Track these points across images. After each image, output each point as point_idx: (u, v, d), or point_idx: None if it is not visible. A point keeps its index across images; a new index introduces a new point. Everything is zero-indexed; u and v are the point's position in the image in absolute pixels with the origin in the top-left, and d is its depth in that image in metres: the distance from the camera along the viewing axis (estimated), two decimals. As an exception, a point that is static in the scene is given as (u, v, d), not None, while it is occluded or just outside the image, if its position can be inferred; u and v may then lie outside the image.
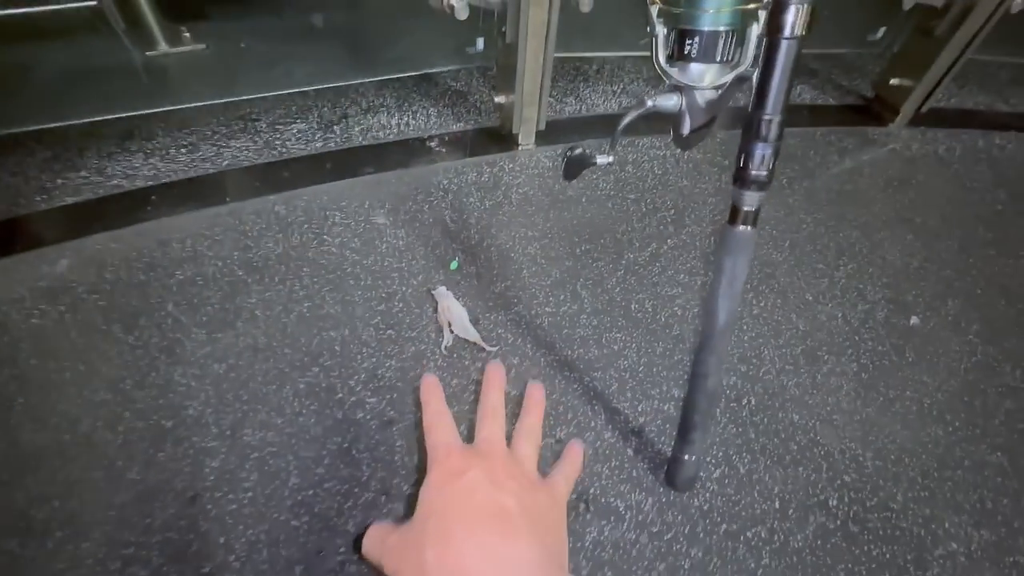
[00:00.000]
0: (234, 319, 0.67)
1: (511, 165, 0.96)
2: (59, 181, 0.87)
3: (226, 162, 0.93)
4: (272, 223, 0.81)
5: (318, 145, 0.99)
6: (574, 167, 0.48)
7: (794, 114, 1.21)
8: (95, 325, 0.66)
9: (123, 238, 0.78)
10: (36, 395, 0.59)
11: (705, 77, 0.41)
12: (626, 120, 0.47)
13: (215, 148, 0.96)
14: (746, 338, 0.71)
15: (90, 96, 1.01)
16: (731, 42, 0.40)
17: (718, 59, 0.40)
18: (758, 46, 0.39)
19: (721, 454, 0.59)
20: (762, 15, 0.39)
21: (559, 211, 0.87)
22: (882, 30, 1.20)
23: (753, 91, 0.35)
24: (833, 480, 0.58)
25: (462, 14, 0.82)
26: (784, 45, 0.32)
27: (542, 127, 0.99)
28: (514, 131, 0.97)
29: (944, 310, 0.78)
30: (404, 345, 0.66)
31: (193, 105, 1.00)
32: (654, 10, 0.41)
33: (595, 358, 0.67)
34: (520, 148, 0.99)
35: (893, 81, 1.14)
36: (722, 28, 0.39)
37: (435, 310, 0.70)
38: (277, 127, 1.02)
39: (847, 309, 0.76)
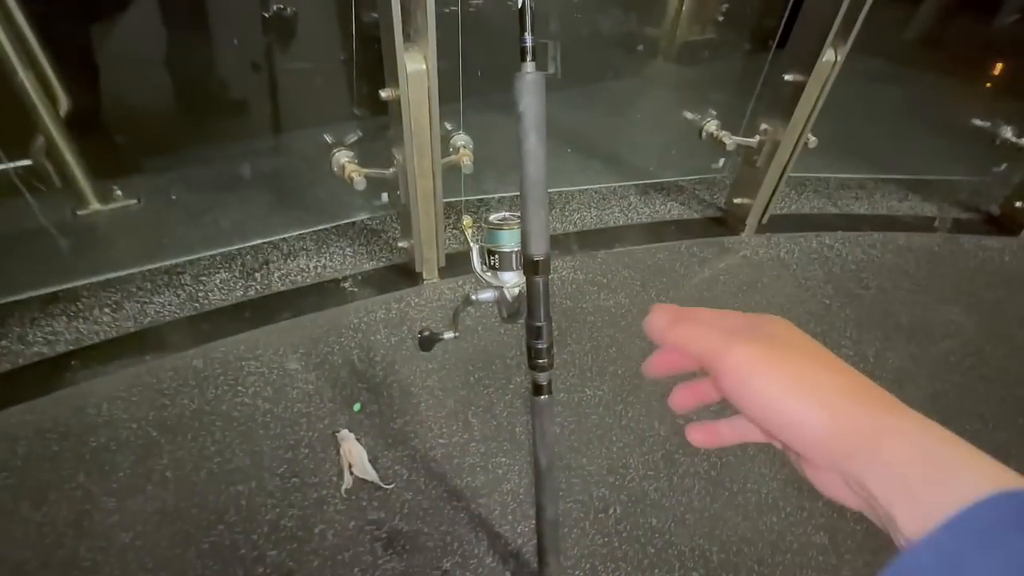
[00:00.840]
0: (144, 483, 0.72)
1: (416, 299, 1.09)
2: (-22, 353, 0.92)
3: (149, 319, 1.01)
4: (189, 379, 0.88)
5: (239, 294, 1.08)
6: (428, 344, 0.61)
7: (664, 229, 1.44)
8: (2, 506, 0.69)
9: (39, 408, 0.82)
10: (-66, 589, 0.61)
11: (511, 279, 0.56)
12: (460, 308, 0.60)
13: (139, 305, 1.04)
14: (615, 448, 0.82)
15: (16, 266, 1.08)
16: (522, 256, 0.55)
17: (515, 268, 0.55)
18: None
19: (589, 566, 0.68)
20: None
21: (456, 343, 0.99)
22: (722, 160, 1.47)
23: (526, 307, 0.48)
24: (684, 578, 0.68)
25: (359, 186, 0.98)
26: (536, 281, 0.46)
27: (443, 263, 1.14)
28: (418, 269, 1.11)
29: (780, 403, 0.93)
30: (307, 492, 0.73)
31: (123, 272, 1.09)
32: (468, 233, 0.56)
33: (481, 485, 0.75)
34: (425, 283, 1.13)
35: (736, 200, 1.39)
36: (515, 250, 0.54)
37: (337, 452, 0.78)
38: (201, 279, 1.12)
39: (701, 412, 0.90)
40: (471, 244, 0.56)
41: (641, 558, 0.69)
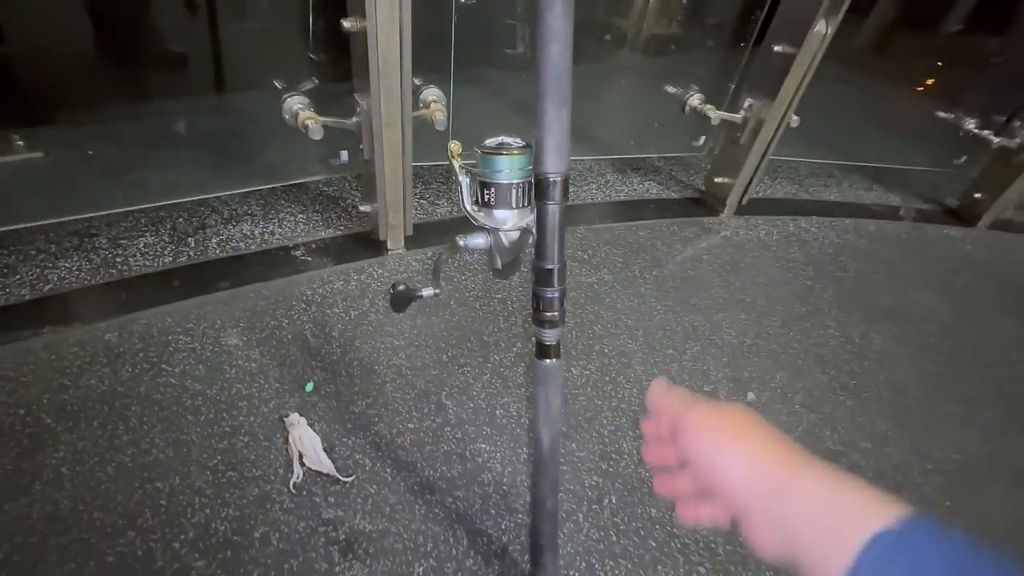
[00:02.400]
0: (30, 482, 0.57)
1: (380, 271, 0.96)
2: None
3: (49, 286, 0.84)
4: (99, 355, 0.72)
5: (167, 260, 0.93)
6: (400, 301, 0.50)
7: (643, 208, 1.38)
8: None
9: None
10: None
11: (507, 221, 0.45)
12: (441, 258, 0.50)
13: (38, 269, 0.86)
14: (606, 432, 0.74)
15: None
16: (524, 191, 0.45)
17: (514, 206, 0.45)
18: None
19: (584, 564, 0.59)
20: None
21: (427, 316, 0.88)
22: (703, 138, 1.43)
23: (534, 246, 0.39)
24: (690, 572, 0.60)
25: (316, 135, 0.85)
26: (550, 210, 0.37)
27: (410, 232, 1.02)
28: (382, 238, 0.99)
29: (773, 383, 0.88)
30: (246, 488, 0.60)
31: (14, 227, 0.90)
32: (456, 164, 0.46)
33: (458, 475, 0.65)
34: (389, 253, 1.00)
35: (717, 179, 1.34)
36: (515, 182, 0.44)
37: (285, 441, 0.65)
38: (120, 242, 0.95)
39: (695, 390, 0.83)
40: (459, 176, 0.45)
41: (642, 553, 0.61)
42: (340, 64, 0.95)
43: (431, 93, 0.96)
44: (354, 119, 0.88)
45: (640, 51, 1.90)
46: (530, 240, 0.47)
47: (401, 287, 0.49)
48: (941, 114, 1.55)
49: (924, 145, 1.79)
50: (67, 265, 0.88)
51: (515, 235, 0.46)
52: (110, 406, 0.66)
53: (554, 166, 0.35)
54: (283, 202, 1.12)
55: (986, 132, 1.47)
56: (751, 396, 0.85)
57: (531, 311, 0.42)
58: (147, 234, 0.98)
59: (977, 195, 1.55)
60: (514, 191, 0.44)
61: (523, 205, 0.45)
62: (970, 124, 1.50)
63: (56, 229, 0.94)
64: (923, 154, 1.78)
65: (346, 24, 0.77)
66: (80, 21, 1.18)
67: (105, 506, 0.56)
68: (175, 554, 0.53)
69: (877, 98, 2.12)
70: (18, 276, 0.84)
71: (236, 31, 1.28)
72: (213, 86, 1.37)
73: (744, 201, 1.36)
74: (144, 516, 0.56)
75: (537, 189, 0.36)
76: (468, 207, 0.46)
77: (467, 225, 1.30)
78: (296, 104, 0.88)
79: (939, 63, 2.01)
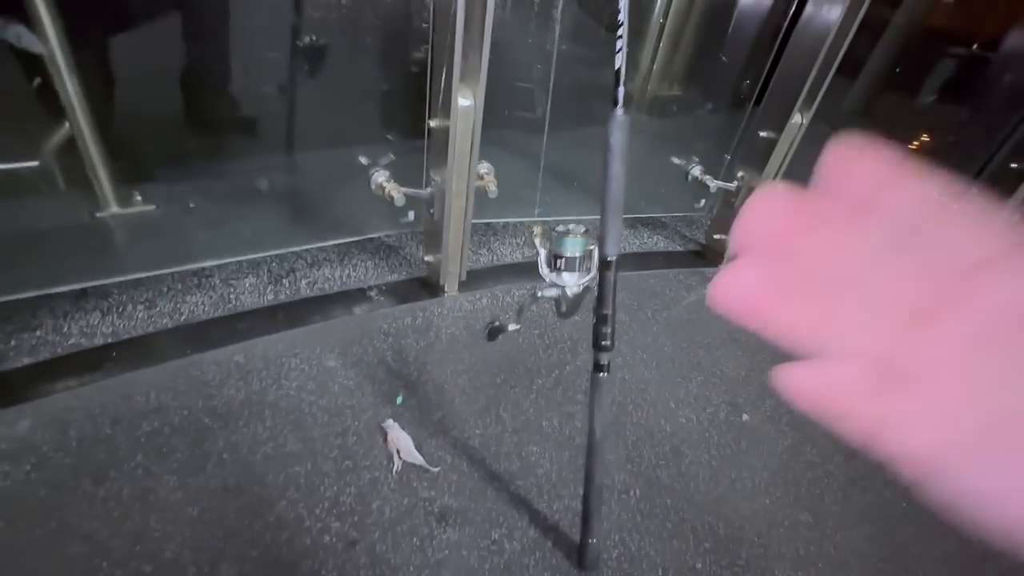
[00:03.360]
0: (204, 463, 0.77)
1: (440, 310, 1.18)
2: (12, 343, 0.93)
3: (184, 316, 1.05)
4: (232, 372, 0.93)
5: (269, 298, 1.14)
6: (495, 333, 0.71)
7: (653, 259, 1.60)
8: (63, 482, 0.72)
9: (84, 396, 0.85)
10: (5, 558, 0.63)
11: (572, 280, 0.67)
12: (526, 303, 0.71)
13: (172, 304, 1.08)
14: (630, 442, 0.93)
15: (38, 263, 1.09)
16: (584, 260, 0.67)
17: (576, 271, 0.66)
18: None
19: (617, 537, 0.77)
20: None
21: (481, 348, 1.08)
22: (703, 200, 1.67)
23: (596, 296, 0.60)
24: (698, 547, 0.78)
25: (400, 203, 1.08)
26: (608, 277, 0.58)
27: (463, 278, 1.24)
28: (441, 282, 1.21)
29: (764, 407, 1.07)
30: (360, 473, 0.79)
31: (151, 272, 1.12)
32: (537, 241, 0.68)
33: (517, 470, 0.84)
34: (446, 295, 1.22)
35: (715, 236, 1.57)
36: (578, 254, 0.66)
37: (385, 440, 0.84)
38: (230, 282, 1.17)
39: (699, 412, 1.03)
40: (540, 249, 0.67)
41: (661, 531, 0.79)
42: (410, 141, 1.20)
43: (483, 167, 1.20)
44: (428, 190, 1.12)
45: (645, 111, 2.17)
46: (588, 295, 0.69)
47: (496, 323, 0.70)
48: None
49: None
50: (193, 300, 1.09)
51: (577, 290, 0.67)
52: (249, 411, 0.86)
53: (611, 250, 0.57)
54: (354, 250, 1.35)
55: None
56: (745, 417, 1.04)
57: (590, 340, 0.62)
58: (250, 275, 1.20)
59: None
60: (577, 261, 0.66)
61: (582, 270, 0.67)
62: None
63: (180, 271, 1.17)
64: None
65: (432, 123, 1.01)
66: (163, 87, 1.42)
67: (260, 482, 0.75)
68: (317, 517, 0.72)
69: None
70: (158, 308, 1.06)
71: (321, 107, 1.55)
72: (294, 148, 1.63)
73: (739, 254, 1.58)
74: (290, 490, 0.75)
75: (601, 264, 0.58)
76: (544, 271, 0.67)
77: (500, 272, 1.52)
78: (381, 177, 1.12)
79: (911, 130, 2.28)
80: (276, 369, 0.95)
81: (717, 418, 1.02)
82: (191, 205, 1.44)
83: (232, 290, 1.15)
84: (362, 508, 0.74)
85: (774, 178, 1.41)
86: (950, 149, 2.14)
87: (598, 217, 0.57)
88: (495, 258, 1.42)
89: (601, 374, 0.62)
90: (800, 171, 1.47)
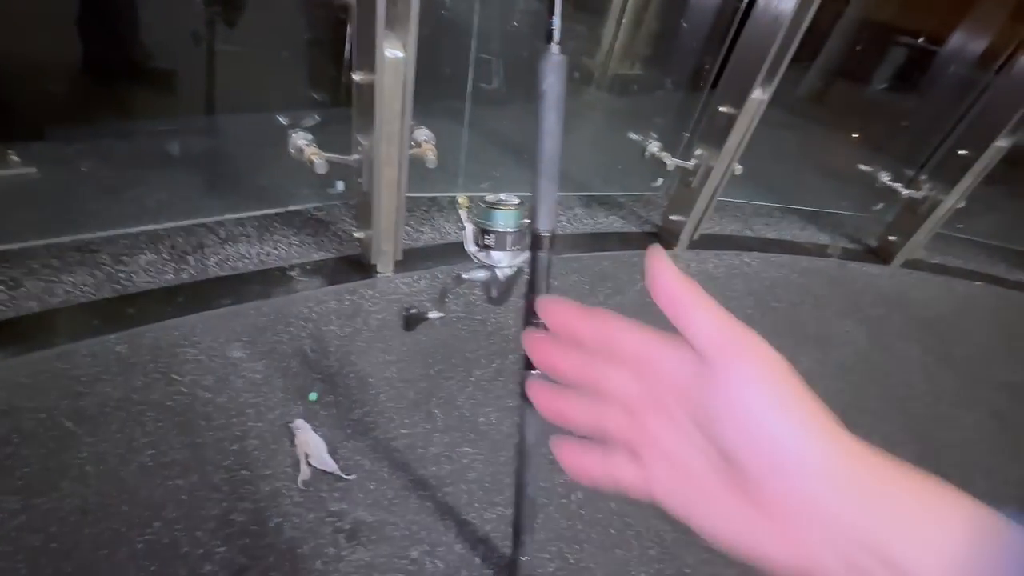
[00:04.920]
0: (58, 479, 0.63)
1: (370, 292, 1.05)
2: None
3: (57, 299, 0.88)
4: (111, 365, 0.78)
5: (168, 277, 0.99)
6: (412, 322, 0.60)
7: (607, 240, 1.52)
8: None
9: (-89, 395, 0.69)
10: None
11: (503, 260, 0.57)
12: (448, 286, 0.61)
13: (43, 283, 0.91)
14: (574, 439, 0.85)
15: None
16: (516, 238, 0.56)
17: (508, 249, 0.56)
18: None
19: (555, 548, 0.69)
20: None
21: (415, 334, 0.97)
22: (660, 180, 1.60)
23: (527, 282, 0.50)
24: (642, 555, 0.71)
25: (321, 169, 0.95)
26: (541, 258, 0.48)
27: (399, 257, 1.12)
28: (373, 262, 1.08)
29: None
30: (259, 484, 0.68)
31: (18, 245, 0.95)
32: (463, 213, 0.57)
33: (446, 474, 0.75)
34: (379, 276, 1.10)
35: (672, 216, 1.51)
36: (510, 229, 0.55)
37: (292, 443, 0.73)
38: (122, 258, 1.00)
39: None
40: (465, 223, 0.57)
41: (603, 539, 0.72)
42: (341, 100, 1.06)
43: (422, 133, 1.07)
44: (355, 156, 0.98)
45: (606, 90, 2.09)
46: (522, 277, 0.59)
47: (413, 310, 0.60)
48: (862, 167, 1.79)
49: (849, 191, 2.04)
50: (72, 280, 0.93)
51: (508, 271, 0.57)
52: (127, 411, 0.72)
53: (545, 224, 0.47)
54: (276, 224, 1.20)
55: (897, 184, 1.71)
56: (697, 409, 0.98)
57: (519, 331, 0.53)
58: (147, 251, 1.03)
59: (892, 237, 1.79)
60: (509, 237, 0.56)
61: (515, 248, 0.57)
62: (884, 177, 1.74)
63: (57, 245, 0.99)
64: (848, 199, 2.03)
65: (356, 77, 0.87)
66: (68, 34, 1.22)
67: (131, 500, 0.63)
68: (198, 541, 0.60)
69: (812, 146, 2.39)
70: (24, 288, 0.89)
71: (236, 61, 1.36)
72: (206, 108, 1.44)
73: (695, 237, 1.53)
74: (168, 509, 0.63)
75: (533, 241, 0.48)
76: (471, 248, 0.57)
77: (444, 251, 1.41)
78: (301, 140, 0.98)
79: (865, 118, 2.30)
80: (167, 361, 0.81)
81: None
82: (84, 169, 1.24)
83: (123, 268, 0.98)
84: (256, 527, 0.63)
85: (732, 158, 1.35)
86: (900, 136, 2.16)
87: (558, 194, 0.46)
88: (439, 235, 1.30)
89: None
90: (758, 152, 1.42)
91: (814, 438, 0.20)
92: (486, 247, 0.56)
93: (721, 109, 1.31)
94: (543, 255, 0.48)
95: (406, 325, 0.60)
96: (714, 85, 1.39)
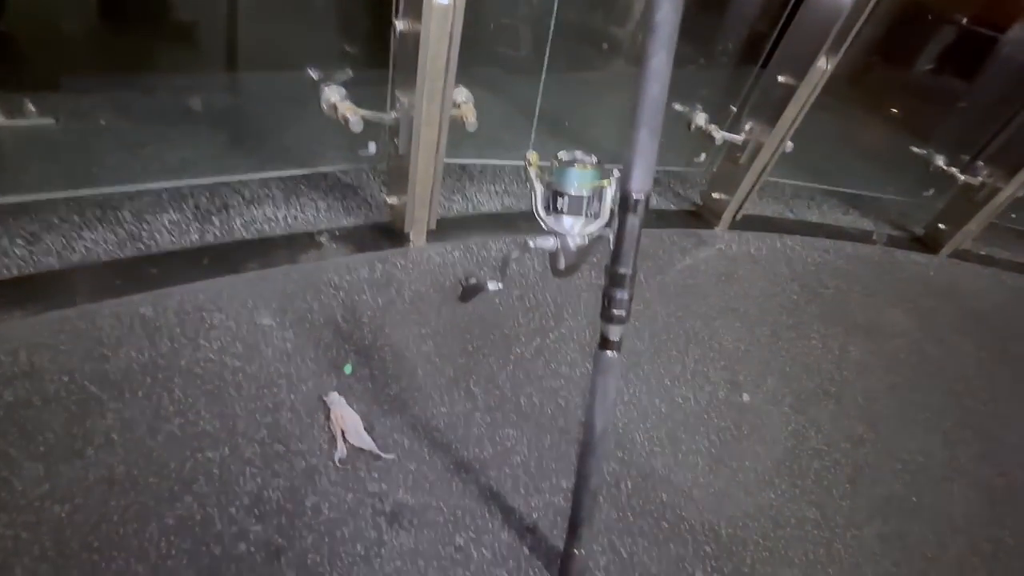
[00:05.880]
0: (83, 446, 0.59)
1: (403, 262, 1.00)
2: None
3: (78, 256, 0.84)
4: (136, 328, 0.74)
5: (193, 238, 0.94)
6: (470, 293, 0.54)
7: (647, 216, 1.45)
8: None
9: (-72, 351, 0.65)
10: None
11: (575, 227, 0.51)
12: (512, 256, 0.55)
13: (63, 240, 0.86)
14: (620, 425, 0.80)
15: None
16: (593, 202, 0.50)
17: (582, 214, 0.50)
18: (614, 203, 0.50)
19: (607, 541, 0.65)
20: (614, 180, 0.50)
21: (451, 308, 0.92)
22: (703, 155, 1.51)
23: (611, 250, 0.44)
24: (697, 552, 0.67)
25: (356, 127, 0.88)
26: (631, 222, 0.42)
27: (433, 226, 1.06)
28: (406, 230, 1.02)
29: (765, 387, 0.96)
30: (293, 460, 0.63)
31: (37, 196, 0.90)
32: (532, 172, 0.51)
33: (489, 457, 0.70)
34: (412, 245, 1.04)
35: (714, 195, 1.43)
36: (585, 193, 0.49)
37: (327, 418, 0.68)
38: (144, 216, 0.95)
39: (696, 391, 0.91)
40: (535, 184, 0.50)
41: (656, 532, 0.67)
42: (375, 55, 0.98)
43: (461, 93, 0.99)
44: (393, 114, 0.91)
45: (636, 62, 1.97)
46: (595, 248, 0.53)
47: (473, 280, 0.54)
48: (915, 149, 1.69)
49: (897, 175, 1.93)
50: (92, 237, 0.88)
51: (581, 240, 0.51)
52: (153, 378, 0.68)
53: (641, 185, 0.41)
54: (303, 187, 1.14)
55: (953, 169, 1.61)
56: (746, 397, 0.92)
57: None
58: (170, 211, 0.98)
59: (941, 226, 1.69)
60: (584, 202, 0.49)
61: (589, 215, 0.50)
62: (940, 160, 1.64)
63: (75, 198, 0.94)
64: (895, 183, 1.93)
65: (399, 24, 0.80)
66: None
67: (160, 472, 0.59)
68: (232, 518, 0.56)
69: (856, 128, 2.27)
70: (43, 243, 0.84)
71: (264, 4, 1.28)
72: (229, 61, 1.37)
73: (738, 217, 1.45)
74: (199, 483, 0.59)
75: (622, 203, 0.42)
76: (540, 212, 0.51)
77: (477, 222, 1.34)
78: (334, 95, 0.91)
79: (916, 99, 2.17)
80: (194, 326, 0.76)
81: (716, 398, 0.91)
82: (102, 122, 1.19)
83: (146, 226, 0.93)
84: (292, 506, 0.59)
85: (786, 134, 1.26)
86: (956, 119, 2.04)
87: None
88: (470, 206, 1.24)
89: (609, 352, 0.47)
90: (815, 128, 1.33)
91: None
92: (557, 211, 0.50)
93: (779, 79, 1.22)
94: (635, 221, 0.42)
95: (463, 296, 0.55)
96: (770, 53, 1.29)
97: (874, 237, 1.69)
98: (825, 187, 1.90)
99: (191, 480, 0.59)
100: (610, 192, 0.51)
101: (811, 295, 1.27)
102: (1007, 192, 1.55)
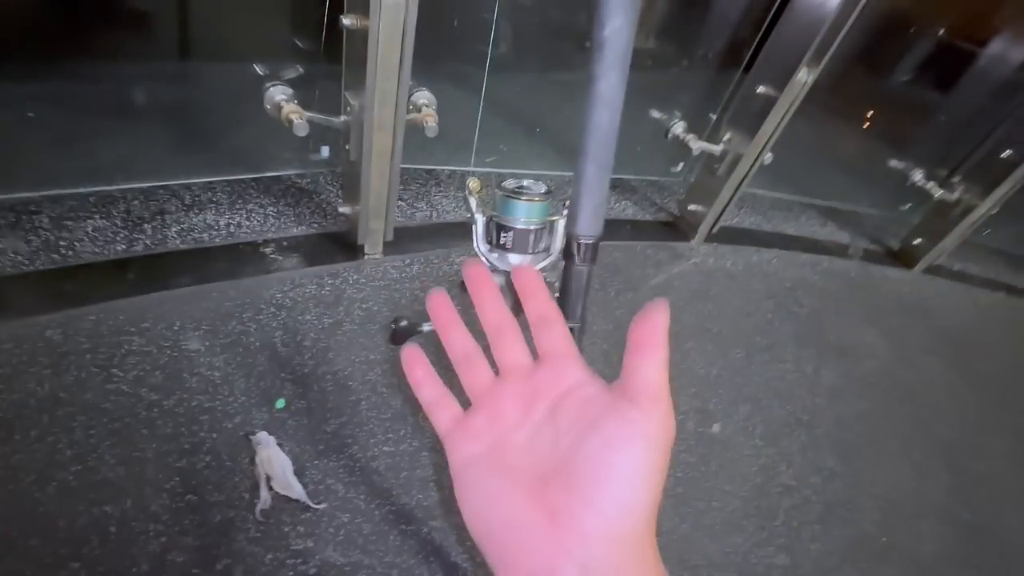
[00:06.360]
0: (-47, 502, 0.51)
1: (355, 276, 0.92)
2: None
3: (-22, 269, 0.75)
4: (38, 354, 0.65)
5: (120, 248, 0.85)
6: (401, 336, 0.48)
7: (620, 228, 1.40)
8: None
9: None
10: None
11: (521, 264, 0.44)
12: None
13: (-36, 249, 0.76)
14: (581, 461, 0.75)
15: None
16: (542, 236, 0.44)
17: (530, 251, 0.44)
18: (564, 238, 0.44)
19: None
20: (564, 211, 0.44)
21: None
22: (681, 164, 1.47)
23: (558, 298, 0.38)
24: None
25: (301, 131, 0.80)
26: (577, 271, 0.36)
27: (390, 237, 0.98)
28: (360, 242, 0.95)
29: (736, 416, 0.92)
30: (207, 513, 0.56)
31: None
32: (473, 201, 0.44)
33: (434, 503, 0.64)
34: (367, 258, 0.97)
35: (691, 207, 1.38)
36: (532, 226, 0.43)
37: (251, 461, 0.61)
38: (65, 223, 0.86)
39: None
40: (476, 215, 0.44)
41: None
42: (326, 52, 0.90)
43: (422, 96, 0.92)
44: (342, 117, 0.84)
45: (632, 76, 1.92)
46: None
47: (404, 322, 0.47)
48: (894, 162, 1.67)
49: (873, 188, 1.92)
50: (0, 246, 0.79)
51: (527, 280, 0.45)
52: (51, 415, 0.60)
53: (589, 229, 0.35)
54: (251, 192, 1.06)
55: (930, 184, 1.60)
56: (716, 428, 0.88)
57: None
58: (96, 216, 0.89)
59: (916, 241, 1.68)
60: (531, 237, 0.43)
61: (537, 251, 0.44)
62: (917, 175, 1.62)
63: (-14, 202, 0.84)
64: (872, 196, 1.91)
65: (346, 21, 0.72)
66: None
67: (44, 532, 0.51)
68: (126, 589, 0.49)
69: (834, 139, 2.25)
70: (-61, 254, 0.75)
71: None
72: (175, 51, 1.27)
73: (714, 229, 1.41)
74: (91, 544, 0.51)
75: (567, 249, 0.36)
76: (481, 248, 0.44)
77: (440, 232, 1.26)
78: (279, 95, 0.83)
79: (895, 112, 2.16)
80: (108, 352, 0.68)
81: (685, 429, 0.86)
82: (30, 114, 1.08)
83: (66, 235, 0.84)
84: (200, 571, 0.52)
85: (765, 145, 1.22)
86: (933, 134, 2.04)
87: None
88: (435, 214, 1.17)
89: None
90: (794, 139, 1.29)
91: (638, 521, 0.24)
92: (501, 247, 0.43)
93: (759, 90, 1.18)
94: (582, 269, 0.36)
95: (393, 339, 0.48)
96: (750, 62, 1.25)
97: (850, 252, 1.67)
98: (803, 199, 1.88)
99: (82, 541, 0.51)
100: (562, 224, 0.44)
101: (786, 314, 1.23)
102: (982, 210, 1.54)
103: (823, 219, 1.82)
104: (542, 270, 0.44)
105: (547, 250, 0.45)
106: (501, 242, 0.43)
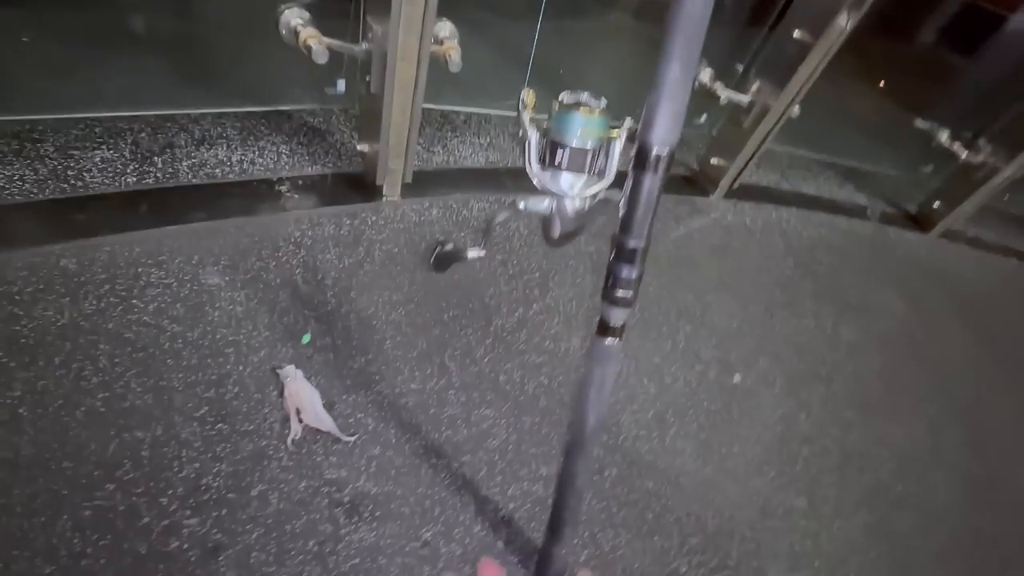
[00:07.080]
0: (-18, 423, 0.50)
1: (374, 218, 0.90)
2: None
3: (-14, 196, 0.71)
4: (55, 283, 0.63)
5: (130, 180, 0.81)
6: (445, 261, 0.46)
7: (639, 180, 1.36)
8: None
9: None
10: None
11: (575, 187, 0.42)
12: (497, 219, 0.46)
13: (-31, 175, 0.73)
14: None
15: None
16: (599, 156, 0.41)
17: (585, 172, 0.41)
18: (622, 159, 0.42)
19: (587, 534, 0.60)
20: (624, 131, 0.41)
21: (426, 272, 0.83)
22: (704, 116, 1.42)
23: (620, 218, 0.36)
24: (682, 546, 0.63)
25: (320, 58, 0.76)
26: (648, 184, 0.34)
27: (409, 179, 0.95)
28: (378, 182, 0.92)
29: (756, 367, 0.91)
30: (238, 442, 0.56)
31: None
32: (526, 116, 0.41)
33: (463, 440, 0.63)
34: (385, 200, 0.94)
35: (713, 160, 1.34)
36: (589, 145, 0.40)
37: (280, 394, 0.60)
38: (71, 152, 0.82)
39: (687, 371, 0.85)
40: (528, 131, 0.41)
41: (640, 524, 0.63)
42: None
43: (444, 28, 0.87)
44: (364, 45, 0.79)
45: (632, 14, 1.84)
46: (597, 213, 0.44)
47: (449, 246, 0.45)
48: (920, 122, 1.62)
49: (894, 150, 1.87)
50: (6, 173, 0.75)
51: (580, 204, 0.42)
52: (73, 342, 0.58)
53: (665, 136, 0.32)
54: (262, 128, 1.01)
55: (956, 144, 1.56)
56: (737, 378, 0.88)
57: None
58: (104, 147, 0.85)
59: (935, 204, 1.65)
60: (588, 156, 0.41)
61: (593, 173, 0.42)
62: (943, 136, 1.58)
63: (-12, 127, 0.80)
64: (893, 157, 1.87)
65: (371, -68, 0.67)
66: None
67: (76, 455, 0.50)
68: (163, 510, 0.49)
69: (856, 98, 2.18)
70: (-56, 180, 0.71)
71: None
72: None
73: (735, 185, 1.37)
74: (124, 468, 0.51)
75: (638, 158, 0.33)
76: (534, 167, 0.42)
77: (458, 177, 1.23)
78: (295, 18, 0.78)
79: (921, 72, 2.09)
80: (126, 283, 0.66)
81: (707, 378, 0.86)
82: (24, 39, 1.02)
83: (73, 164, 0.80)
84: (235, 496, 0.51)
85: (797, 94, 1.17)
86: (959, 95, 1.97)
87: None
88: (452, 159, 1.13)
89: (609, 340, 0.39)
90: (817, 96, 1.24)
91: None
92: (555, 166, 0.41)
93: (794, 35, 1.12)
94: (654, 181, 0.33)
95: (437, 265, 0.46)
96: (786, 6, 1.18)
97: (868, 213, 1.65)
98: (823, 157, 1.83)
99: (115, 465, 0.50)
100: (619, 146, 0.42)
101: (805, 272, 1.22)
102: (1005, 173, 1.51)
103: (841, 179, 1.78)
104: (598, 195, 0.42)
105: (601, 173, 0.42)
106: (556, 161, 0.40)
